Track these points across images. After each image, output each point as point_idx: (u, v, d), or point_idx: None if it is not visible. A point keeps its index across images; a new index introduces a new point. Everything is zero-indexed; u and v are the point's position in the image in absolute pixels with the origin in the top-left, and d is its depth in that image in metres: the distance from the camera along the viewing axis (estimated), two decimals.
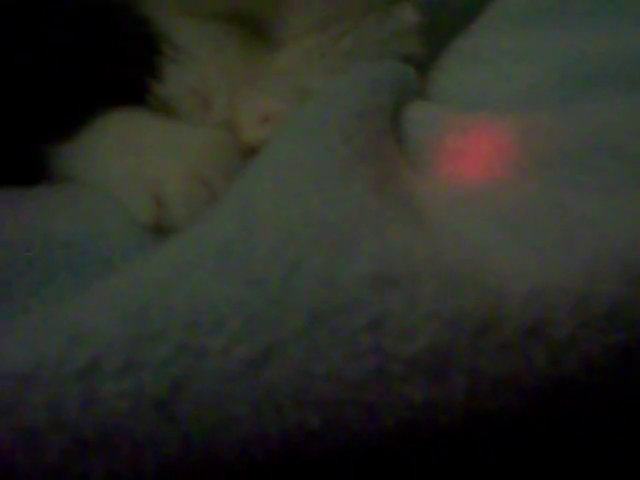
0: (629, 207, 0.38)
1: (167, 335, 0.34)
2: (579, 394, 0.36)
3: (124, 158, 0.47)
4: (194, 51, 0.52)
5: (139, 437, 0.33)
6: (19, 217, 0.45)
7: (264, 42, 0.55)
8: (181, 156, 0.45)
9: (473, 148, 0.44)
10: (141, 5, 0.52)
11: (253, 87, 0.51)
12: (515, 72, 0.50)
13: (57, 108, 0.50)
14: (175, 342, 0.34)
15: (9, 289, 0.42)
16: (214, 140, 0.46)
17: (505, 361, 0.35)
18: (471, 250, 0.37)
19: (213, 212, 0.39)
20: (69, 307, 0.36)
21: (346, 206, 0.37)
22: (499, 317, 0.35)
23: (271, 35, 0.55)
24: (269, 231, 0.36)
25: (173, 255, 0.37)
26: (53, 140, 0.50)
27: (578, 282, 0.36)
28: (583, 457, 0.38)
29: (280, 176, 0.39)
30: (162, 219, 0.43)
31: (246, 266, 0.35)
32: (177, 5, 0.52)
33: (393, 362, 0.34)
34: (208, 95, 0.51)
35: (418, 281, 0.35)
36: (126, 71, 0.51)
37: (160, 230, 0.44)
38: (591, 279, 0.36)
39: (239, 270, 0.35)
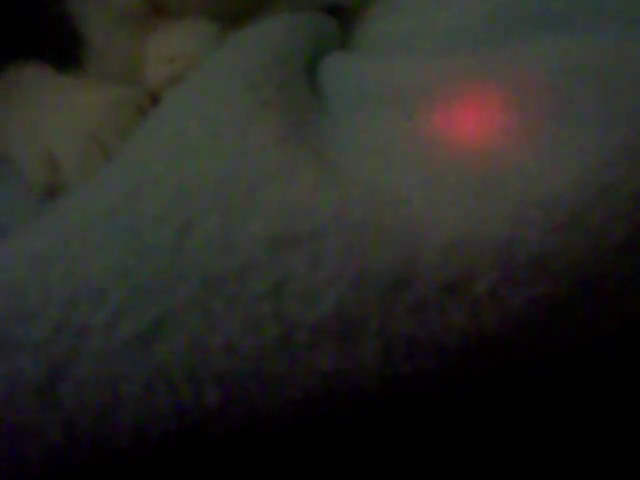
0: (554, 150, 0.35)
1: (44, 313, 0.31)
2: (502, 353, 0.33)
3: (20, 117, 0.43)
4: (116, 49, 0.49)
5: (20, 424, 0.31)
6: None
7: None
8: (78, 116, 0.41)
9: (393, 94, 0.40)
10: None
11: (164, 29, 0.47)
12: (439, 18, 0.46)
13: None
14: (53, 321, 0.31)
15: None
16: (115, 99, 0.43)
17: (420, 321, 0.32)
18: (383, 202, 0.34)
19: (102, 173, 0.35)
20: None
21: (244, 159, 0.34)
22: (413, 273, 0.32)
23: None
24: (159, 191, 0.33)
25: (54, 223, 0.33)
26: None
27: (499, 231, 0.33)
28: (509, 424, 0.36)
29: (174, 130, 0.36)
30: (56, 183, 0.40)
31: (132, 231, 0.32)
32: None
33: (297, 330, 0.31)
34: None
35: (321, 239, 0.32)
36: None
37: (54, 195, 0.40)
38: (513, 227, 0.33)
39: (124, 236, 0.32)
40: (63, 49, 0.47)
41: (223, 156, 0.34)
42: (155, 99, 0.44)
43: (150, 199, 0.33)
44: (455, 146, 0.37)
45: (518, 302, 0.33)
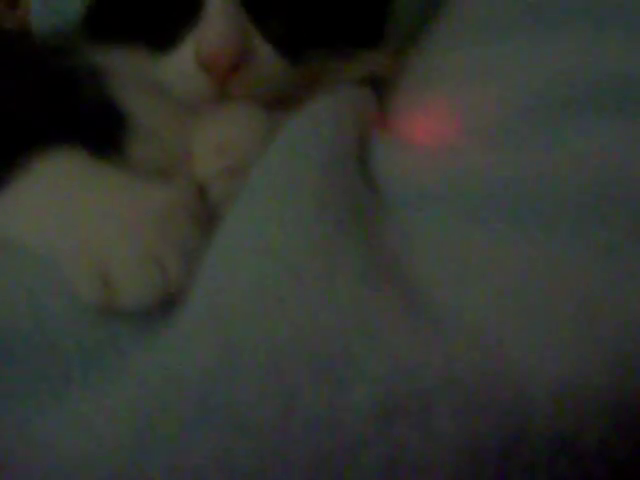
0: None
1: None
2: None
3: (64, 221, 0.39)
4: (161, 130, 0.45)
5: None
6: None
7: None
8: (132, 228, 0.38)
9: (455, 195, 0.38)
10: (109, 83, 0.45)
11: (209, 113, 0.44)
12: (478, 98, 0.42)
13: None
14: None
15: None
16: (170, 205, 0.39)
17: None
18: (484, 349, 0.32)
19: (178, 324, 0.32)
20: None
21: (335, 309, 0.32)
22: (525, 435, 0.30)
23: None
24: (253, 357, 0.30)
25: (143, 394, 0.31)
26: None
27: (605, 375, 0.31)
28: None
29: (253, 276, 0.33)
30: (111, 302, 0.36)
31: (231, 409, 0.30)
32: None
33: None
34: (171, 174, 0.43)
35: (431, 406, 0.30)
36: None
37: (110, 311, 0.37)
38: (619, 369, 0.31)
39: (222, 415, 0.30)
40: (101, 132, 0.43)
41: (312, 309, 0.32)
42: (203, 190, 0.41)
43: (245, 368, 0.30)
44: (536, 263, 0.35)
45: (625, 452, 0.31)
